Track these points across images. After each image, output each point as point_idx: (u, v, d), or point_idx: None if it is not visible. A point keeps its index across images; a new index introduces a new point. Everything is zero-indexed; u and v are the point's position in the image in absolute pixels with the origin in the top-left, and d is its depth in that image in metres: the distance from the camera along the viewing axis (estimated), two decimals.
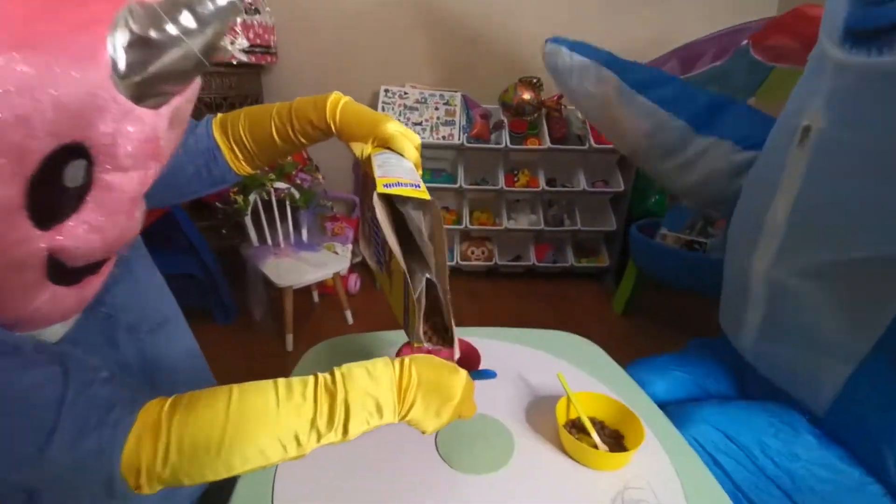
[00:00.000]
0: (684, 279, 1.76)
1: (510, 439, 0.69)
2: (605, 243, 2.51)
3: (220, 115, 0.61)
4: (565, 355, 0.89)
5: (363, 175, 0.58)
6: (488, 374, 0.56)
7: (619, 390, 0.81)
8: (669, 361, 0.96)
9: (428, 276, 0.54)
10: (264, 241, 1.86)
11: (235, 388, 0.44)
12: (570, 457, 0.67)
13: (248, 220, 1.77)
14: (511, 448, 0.68)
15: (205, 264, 1.80)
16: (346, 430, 0.45)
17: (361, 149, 0.56)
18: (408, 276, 0.50)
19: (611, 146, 2.22)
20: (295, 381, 0.46)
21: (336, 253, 1.95)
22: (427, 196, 0.50)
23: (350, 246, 2.02)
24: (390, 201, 0.53)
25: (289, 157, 1.78)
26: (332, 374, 0.47)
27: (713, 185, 1.08)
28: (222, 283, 1.87)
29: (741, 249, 0.88)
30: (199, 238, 1.76)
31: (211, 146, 0.59)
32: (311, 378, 0.46)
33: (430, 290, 0.57)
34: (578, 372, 0.85)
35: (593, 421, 0.70)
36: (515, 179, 2.34)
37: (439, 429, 0.50)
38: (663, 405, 0.77)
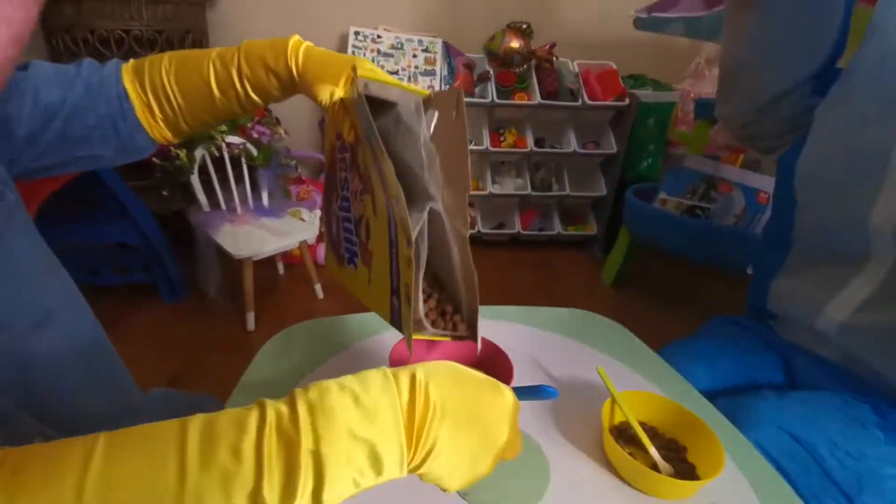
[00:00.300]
0: (686, 248, 1.64)
1: (543, 462, 0.53)
2: (594, 210, 2.37)
3: (133, 60, 0.48)
4: (589, 340, 0.73)
5: (333, 141, 0.48)
6: (548, 393, 0.38)
7: (661, 385, 0.66)
8: (710, 346, 0.82)
9: (432, 206, 0.40)
10: (217, 206, 1.60)
11: (102, 441, 0.25)
12: (620, 477, 0.51)
13: (194, 179, 1.49)
14: (546, 473, 0.51)
15: (144, 232, 1.52)
16: (317, 501, 0.27)
17: (331, 92, 0.44)
18: (405, 214, 0.36)
19: (605, 102, 2.05)
20: (223, 420, 0.27)
21: (303, 220, 1.71)
22: (425, 92, 0.41)
23: (318, 212, 1.78)
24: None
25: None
26: (293, 405, 0.28)
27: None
28: (167, 254, 1.60)
29: (842, 197, 0.72)
30: (133, 201, 1.48)
31: (119, 93, 0.46)
32: (252, 414, 0.27)
33: (433, 255, 0.41)
34: (610, 362, 0.69)
35: (643, 427, 0.55)
36: (501, 139, 2.14)
37: (471, 484, 0.32)
38: (708, 400, 0.63)
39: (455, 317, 0.45)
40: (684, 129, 2.03)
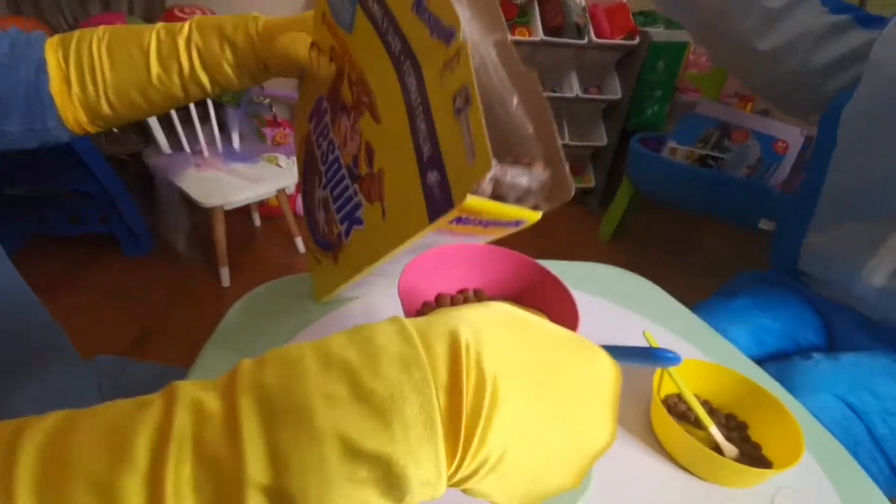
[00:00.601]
0: (696, 200, 1.54)
1: None
2: (593, 161, 2.24)
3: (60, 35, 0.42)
4: (619, 298, 0.63)
5: (307, 123, 0.47)
6: (666, 359, 0.25)
7: (706, 350, 0.56)
8: (750, 305, 0.73)
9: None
10: (179, 148, 1.41)
11: None
12: (674, 461, 0.42)
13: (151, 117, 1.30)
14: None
15: (97, 177, 1.34)
16: None
17: (303, 40, 0.41)
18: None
19: (613, 41, 1.87)
20: (90, 428, 0.16)
21: (279, 166, 1.54)
22: None
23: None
24: None
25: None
26: (231, 397, 0.17)
27: (795, 57, 0.79)
28: (125, 202, 1.43)
29: (887, 142, 0.62)
30: (82, 141, 1.29)
31: (39, 60, 0.39)
32: (149, 415, 0.16)
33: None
34: (645, 323, 0.59)
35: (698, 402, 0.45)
36: None
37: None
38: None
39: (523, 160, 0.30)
40: (696, 71, 1.88)
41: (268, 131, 1.74)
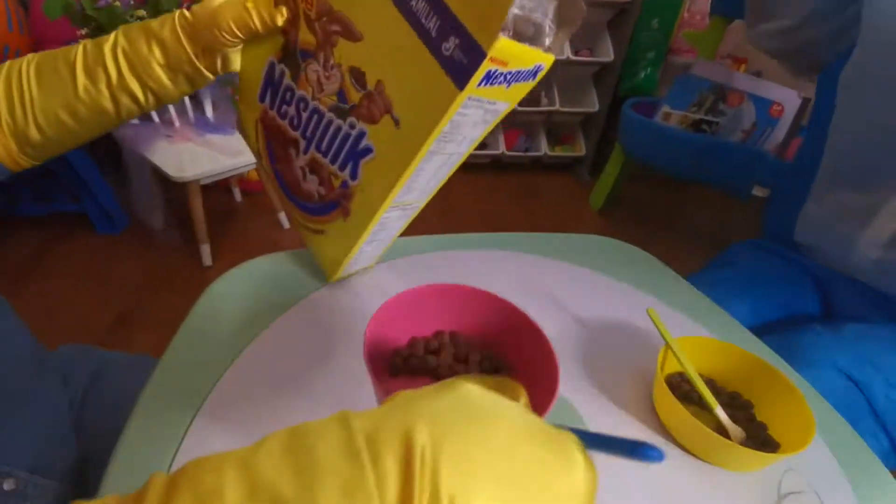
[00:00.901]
0: (689, 167, 1.50)
1: (579, 425, 0.40)
2: (583, 129, 2.19)
3: None
4: (613, 271, 0.60)
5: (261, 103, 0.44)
6: (649, 456, 0.21)
7: (708, 325, 0.54)
8: (748, 275, 0.71)
9: None
10: (147, 118, 1.33)
11: None
12: (676, 443, 0.40)
13: None
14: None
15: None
16: None
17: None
18: None
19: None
20: None
21: None
22: None
23: None
24: None
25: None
26: None
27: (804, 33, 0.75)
28: (94, 177, 1.35)
29: (885, 105, 0.59)
30: None
31: None
32: None
33: None
34: (643, 297, 0.57)
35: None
36: None
37: None
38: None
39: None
40: (692, 30, 1.81)
41: None
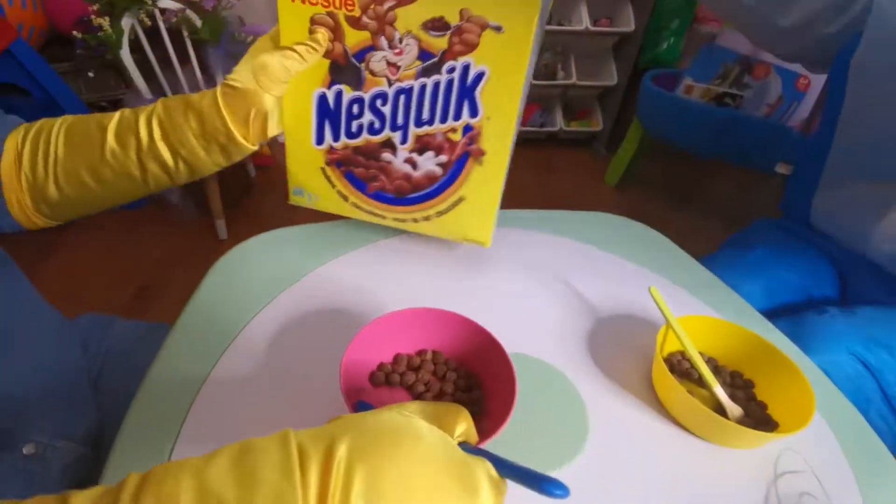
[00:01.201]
0: (710, 142, 1.45)
1: (580, 405, 0.41)
2: (601, 102, 2.12)
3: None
4: (620, 249, 0.59)
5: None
6: (553, 493, 0.22)
7: (715, 306, 0.53)
8: (767, 257, 0.69)
9: None
10: (160, 93, 1.33)
11: None
12: (675, 421, 0.41)
13: (126, 56, 1.21)
14: (584, 419, 0.40)
15: None
16: None
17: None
18: None
19: None
20: None
21: None
22: None
23: None
24: None
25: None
26: None
27: (814, 29, 0.71)
28: None
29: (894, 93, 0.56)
30: (59, 87, 1.21)
31: None
32: None
33: None
34: (648, 275, 0.56)
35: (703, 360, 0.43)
36: None
37: None
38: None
39: None
40: None
41: None
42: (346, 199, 0.49)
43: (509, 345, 0.37)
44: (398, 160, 0.45)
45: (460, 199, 0.47)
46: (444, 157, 0.44)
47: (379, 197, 0.48)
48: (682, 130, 1.52)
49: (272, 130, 0.41)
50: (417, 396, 0.37)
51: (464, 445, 0.24)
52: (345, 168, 0.47)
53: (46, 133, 0.38)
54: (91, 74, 1.31)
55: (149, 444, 0.35)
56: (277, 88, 0.39)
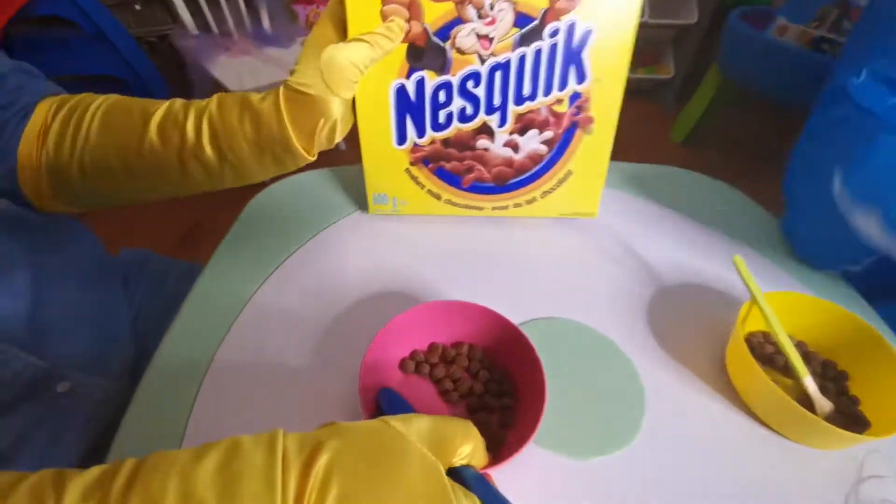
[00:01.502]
0: (801, 92, 1.26)
1: (637, 385, 0.36)
2: (674, 46, 1.89)
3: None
4: (699, 212, 0.52)
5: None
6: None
7: (807, 282, 0.45)
8: None
9: None
10: (206, 29, 1.30)
11: None
12: (750, 412, 0.35)
13: None
14: (640, 401, 0.35)
15: (127, 61, 1.28)
16: None
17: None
18: None
19: None
20: None
21: None
22: None
23: None
24: None
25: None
26: None
27: None
28: (160, 89, 1.37)
29: None
30: (108, 20, 1.20)
31: (27, 104, 0.34)
32: None
33: None
34: (728, 244, 0.48)
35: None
36: None
37: None
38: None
39: None
40: None
41: (300, 9, 1.57)
42: (438, 198, 0.44)
43: (555, 309, 0.33)
44: (496, 145, 0.40)
45: (568, 174, 0.42)
46: (549, 133, 0.39)
47: (476, 189, 0.43)
48: (772, 77, 1.33)
49: (338, 137, 0.35)
50: (443, 394, 0.34)
51: (465, 469, 0.22)
52: (434, 164, 0.41)
53: (82, 110, 0.34)
54: (138, 7, 1.29)
55: (180, 379, 0.35)
56: (348, 90, 0.32)
